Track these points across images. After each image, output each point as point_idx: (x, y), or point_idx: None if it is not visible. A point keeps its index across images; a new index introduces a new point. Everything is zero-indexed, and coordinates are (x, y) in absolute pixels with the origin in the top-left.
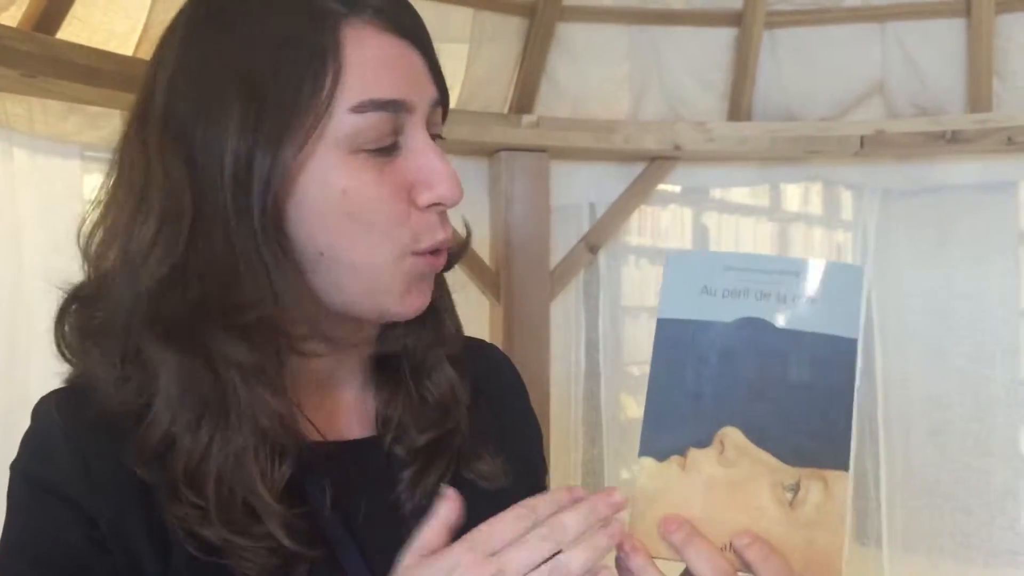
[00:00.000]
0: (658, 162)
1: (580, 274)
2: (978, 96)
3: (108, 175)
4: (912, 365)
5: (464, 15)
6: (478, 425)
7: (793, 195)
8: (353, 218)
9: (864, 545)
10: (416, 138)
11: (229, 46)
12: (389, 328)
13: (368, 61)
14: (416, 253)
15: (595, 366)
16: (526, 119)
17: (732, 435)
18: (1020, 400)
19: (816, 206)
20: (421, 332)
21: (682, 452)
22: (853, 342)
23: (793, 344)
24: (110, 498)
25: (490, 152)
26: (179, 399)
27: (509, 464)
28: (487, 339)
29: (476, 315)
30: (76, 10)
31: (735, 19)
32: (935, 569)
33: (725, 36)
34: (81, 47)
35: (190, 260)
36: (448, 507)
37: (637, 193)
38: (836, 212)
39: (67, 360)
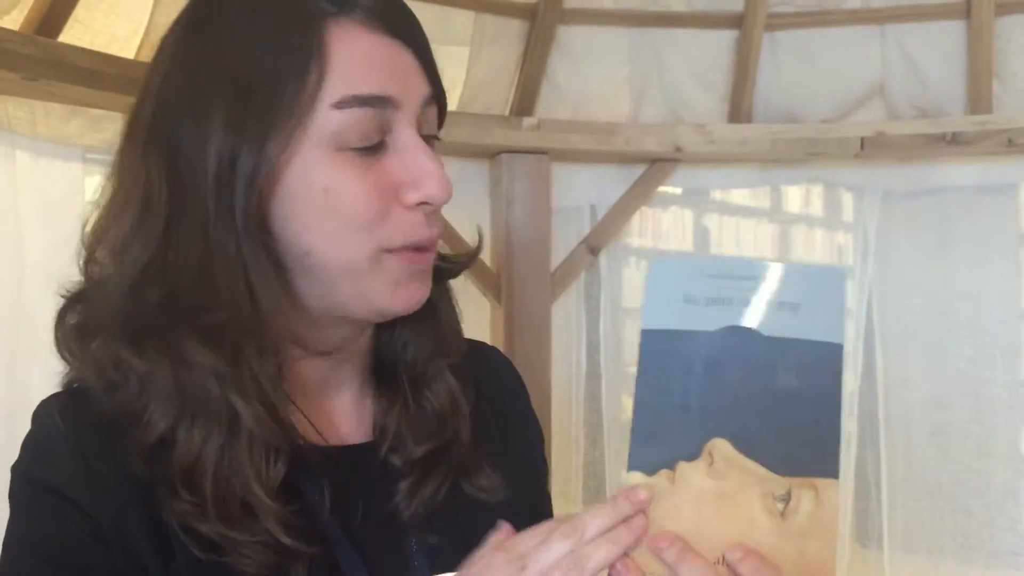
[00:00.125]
0: (659, 164)
1: (581, 276)
2: (978, 98)
3: (107, 177)
4: (913, 366)
5: (465, 18)
6: (479, 433)
7: (794, 197)
8: (333, 216)
9: (865, 546)
10: (404, 136)
11: (217, 47)
12: (387, 335)
13: (354, 58)
14: (391, 251)
15: (596, 368)
16: (527, 121)
17: (721, 447)
18: (1021, 401)
19: (817, 208)
20: (422, 341)
21: (671, 466)
22: (838, 347)
23: (778, 352)
24: (111, 499)
25: (491, 154)
26: (167, 399)
27: (511, 467)
28: (488, 341)
29: (477, 317)
30: (78, 13)
31: (736, 21)
32: (936, 570)
33: (726, 38)
34: (83, 50)
35: (168, 259)
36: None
37: (638, 195)
38: (837, 214)
39: (67, 361)
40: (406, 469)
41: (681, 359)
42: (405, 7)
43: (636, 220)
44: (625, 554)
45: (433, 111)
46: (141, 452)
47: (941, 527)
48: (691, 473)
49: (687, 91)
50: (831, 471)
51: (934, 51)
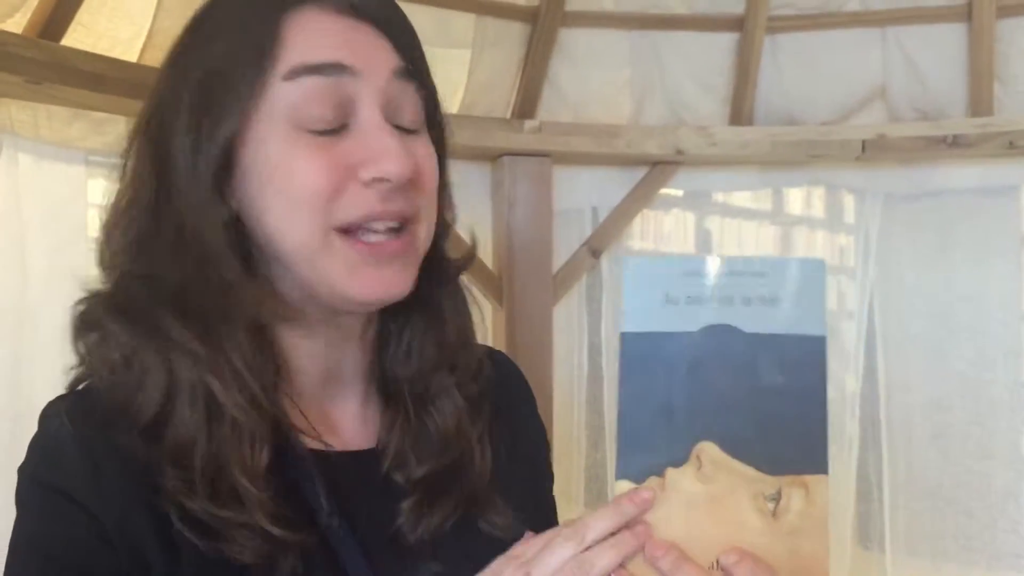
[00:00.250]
0: (660, 166)
1: (583, 278)
2: (979, 100)
3: (117, 174)
4: (914, 368)
5: (466, 21)
6: (493, 459)
7: (795, 199)
8: (282, 195)
9: (867, 548)
10: (364, 114)
11: (192, 45)
12: (395, 340)
13: (306, 33)
14: (346, 232)
15: (598, 370)
16: (528, 124)
17: (708, 450)
18: (1022, 403)
19: (818, 210)
20: (425, 349)
21: (659, 472)
22: (822, 340)
23: (761, 348)
24: (118, 500)
25: (493, 157)
26: (156, 374)
27: (517, 471)
28: (489, 344)
29: (478, 319)
30: (81, 17)
31: (737, 24)
32: (938, 572)
33: (727, 41)
34: (86, 53)
35: (154, 249)
36: None
37: (639, 197)
38: (838, 216)
39: (76, 351)
40: (408, 488)
41: (663, 361)
42: None
43: (638, 222)
44: (623, 564)
45: (409, 92)
46: (139, 432)
47: (943, 529)
48: (680, 478)
49: (688, 93)
50: (820, 467)
51: (935, 53)
